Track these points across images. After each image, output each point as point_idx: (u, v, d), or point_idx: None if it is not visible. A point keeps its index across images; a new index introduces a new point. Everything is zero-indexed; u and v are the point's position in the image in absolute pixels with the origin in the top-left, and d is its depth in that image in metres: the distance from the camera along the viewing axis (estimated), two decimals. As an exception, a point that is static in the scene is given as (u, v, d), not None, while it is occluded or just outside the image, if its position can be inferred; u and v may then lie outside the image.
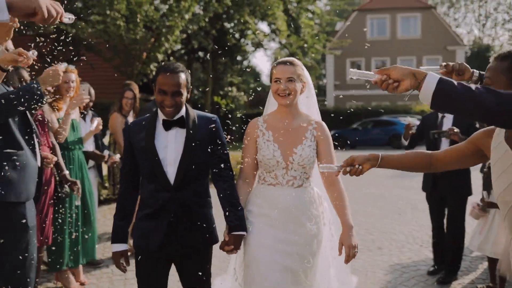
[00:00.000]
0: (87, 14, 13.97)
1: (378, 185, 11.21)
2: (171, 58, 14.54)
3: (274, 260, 2.64)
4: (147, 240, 2.62)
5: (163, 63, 12.12)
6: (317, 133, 2.78)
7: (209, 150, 2.65)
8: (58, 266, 4.25)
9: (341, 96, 35.98)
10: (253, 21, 20.82)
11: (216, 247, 2.73)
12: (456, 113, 1.80)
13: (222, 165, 2.69)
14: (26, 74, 3.55)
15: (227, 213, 2.64)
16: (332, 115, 27.52)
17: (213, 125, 2.69)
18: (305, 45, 24.07)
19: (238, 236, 2.64)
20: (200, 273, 2.67)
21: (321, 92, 43.08)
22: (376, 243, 6.03)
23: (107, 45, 13.75)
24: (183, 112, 2.66)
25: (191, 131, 2.62)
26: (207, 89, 23.38)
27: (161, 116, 2.65)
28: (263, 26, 27.42)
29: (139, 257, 2.67)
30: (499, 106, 1.67)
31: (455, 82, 1.73)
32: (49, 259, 4.32)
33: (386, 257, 5.42)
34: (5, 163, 2.90)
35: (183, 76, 2.59)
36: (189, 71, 20.46)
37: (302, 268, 2.66)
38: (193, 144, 2.60)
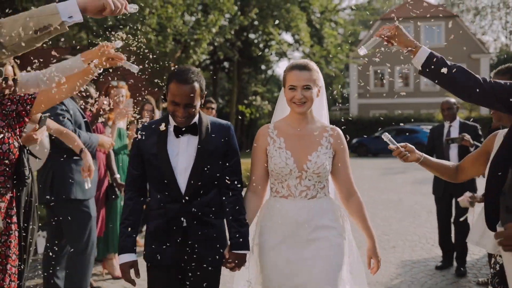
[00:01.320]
0: (119, 29, 14.81)
1: (398, 191, 11.60)
2: (199, 68, 15.26)
3: (287, 282, 2.51)
4: (159, 254, 2.47)
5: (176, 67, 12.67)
6: (334, 141, 2.64)
7: (221, 159, 2.53)
8: (106, 251, 4.91)
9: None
10: (277, 32, 21.46)
11: None
12: (439, 80, 2.20)
13: (233, 177, 2.55)
14: (92, 90, 4.19)
15: (230, 229, 2.51)
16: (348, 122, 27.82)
17: (227, 133, 2.56)
18: (329, 55, 24.55)
19: (240, 255, 2.49)
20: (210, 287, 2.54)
21: (344, 100, 43.41)
22: (390, 243, 6.49)
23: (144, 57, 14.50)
24: (195, 118, 2.52)
25: (204, 139, 2.48)
26: (232, 98, 24.04)
27: (172, 122, 2.51)
28: (287, 37, 28.00)
29: (151, 270, 2.55)
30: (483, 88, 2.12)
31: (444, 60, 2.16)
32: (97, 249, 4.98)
33: (399, 254, 5.89)
34: (74, 168, 3.61)
35: (196, 86, 2.43)
36: (215, 79, 21.02)
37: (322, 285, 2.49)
38: (206, 152, 2.47)
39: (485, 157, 2.57)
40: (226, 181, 2.53)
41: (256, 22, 20.80)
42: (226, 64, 26.52)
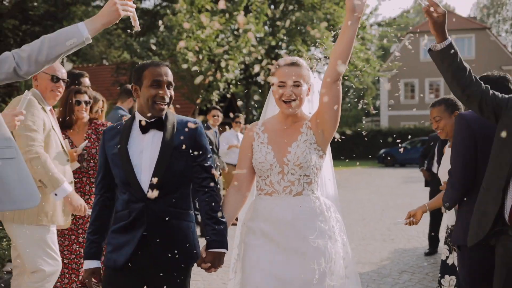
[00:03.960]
0: (159, 49, 16.39)
1: (412, 197, 12.57)
2: (231, 85, 16.65)
3: (269, 280, 2.37)
4: (116, 255, 2.37)
5: (224, 89, 13.99)
6: (311, 122, 2.50)
7: (187, 156, 2.43)
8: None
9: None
10: (306, 49, 22.69)
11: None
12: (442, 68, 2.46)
13: (203, 175, 2.45)
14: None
15: (206, 228, 2.43)
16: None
17: (194, 130, 2.46)
18: (355, 69, 25.51)
19: (217, 254, 2.38)
20: None
21: (376, 112, 44.08)
22: (391, 236, 7.58)
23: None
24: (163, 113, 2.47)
25: (168, 134, 2.41)
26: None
27: (138, 118, 2.45)
28: (316, 52, 29.16)
29: (107, 274, 2.44)
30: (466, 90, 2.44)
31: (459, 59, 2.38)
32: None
33: (395, 244, 6.98)
34: None
35: (170, 72, 2.48)
36: (247, 92, 22.36)
37: None
38: (171, 149, 2.38)
39: None
40: (198, 179, 2.46)
41: (285, 40, 22.10)
42: (258, 79, 27.87)
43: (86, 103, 3.85)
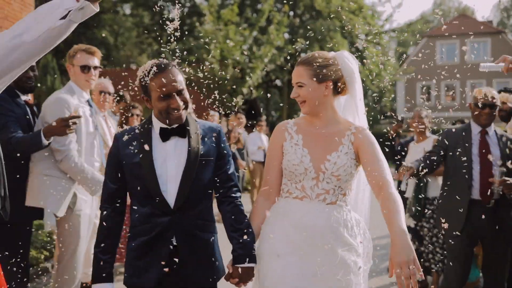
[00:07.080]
0: (186, 57, 18.01)
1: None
2: (252, 90, 18.15)
3: None
4: (142, 277, 2.21)
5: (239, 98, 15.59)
6: (355, 138, 2.33)
7: (213, 164, 2.30)
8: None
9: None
10: (323, 55, 24.06)
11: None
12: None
13: (228, 184, 2.33)
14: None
15: (232, 241, 2.28)
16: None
17: (218, 136, 2.33)
18: (371, 73, 26.71)
19: (244, 269, 2.23)
20: None
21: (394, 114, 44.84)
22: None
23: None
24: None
25: (194, 141, 2.25)
26: (283, 113, 26.67)
27: (157, 124, 2.26)
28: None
29: None
30: None
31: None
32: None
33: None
34: None
35: (177, 71, 2.24)
36: (267, 96, 23.91)
37: None
38: (197, 156, 2.23)
39: None
40: (223, 188, 2.33)
41: (304, 46, 23.52)
42: (277, 82, 29.30)
43: (137, 115, 5.31)
